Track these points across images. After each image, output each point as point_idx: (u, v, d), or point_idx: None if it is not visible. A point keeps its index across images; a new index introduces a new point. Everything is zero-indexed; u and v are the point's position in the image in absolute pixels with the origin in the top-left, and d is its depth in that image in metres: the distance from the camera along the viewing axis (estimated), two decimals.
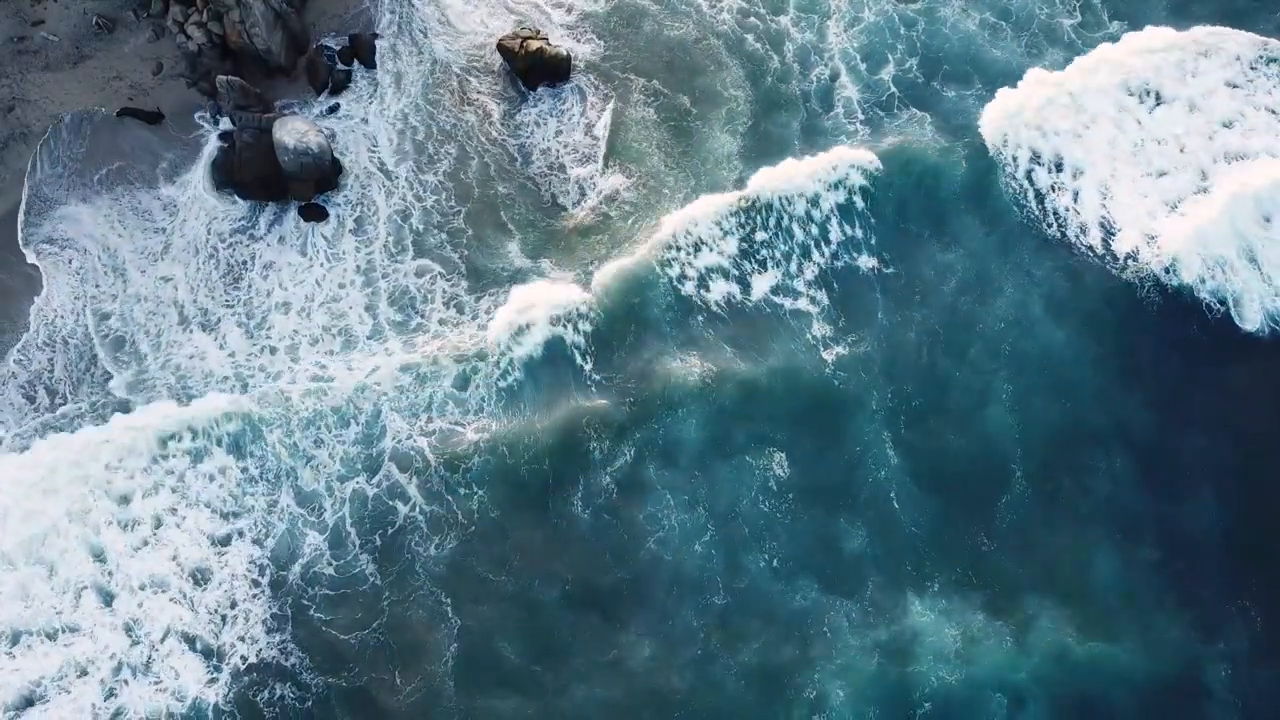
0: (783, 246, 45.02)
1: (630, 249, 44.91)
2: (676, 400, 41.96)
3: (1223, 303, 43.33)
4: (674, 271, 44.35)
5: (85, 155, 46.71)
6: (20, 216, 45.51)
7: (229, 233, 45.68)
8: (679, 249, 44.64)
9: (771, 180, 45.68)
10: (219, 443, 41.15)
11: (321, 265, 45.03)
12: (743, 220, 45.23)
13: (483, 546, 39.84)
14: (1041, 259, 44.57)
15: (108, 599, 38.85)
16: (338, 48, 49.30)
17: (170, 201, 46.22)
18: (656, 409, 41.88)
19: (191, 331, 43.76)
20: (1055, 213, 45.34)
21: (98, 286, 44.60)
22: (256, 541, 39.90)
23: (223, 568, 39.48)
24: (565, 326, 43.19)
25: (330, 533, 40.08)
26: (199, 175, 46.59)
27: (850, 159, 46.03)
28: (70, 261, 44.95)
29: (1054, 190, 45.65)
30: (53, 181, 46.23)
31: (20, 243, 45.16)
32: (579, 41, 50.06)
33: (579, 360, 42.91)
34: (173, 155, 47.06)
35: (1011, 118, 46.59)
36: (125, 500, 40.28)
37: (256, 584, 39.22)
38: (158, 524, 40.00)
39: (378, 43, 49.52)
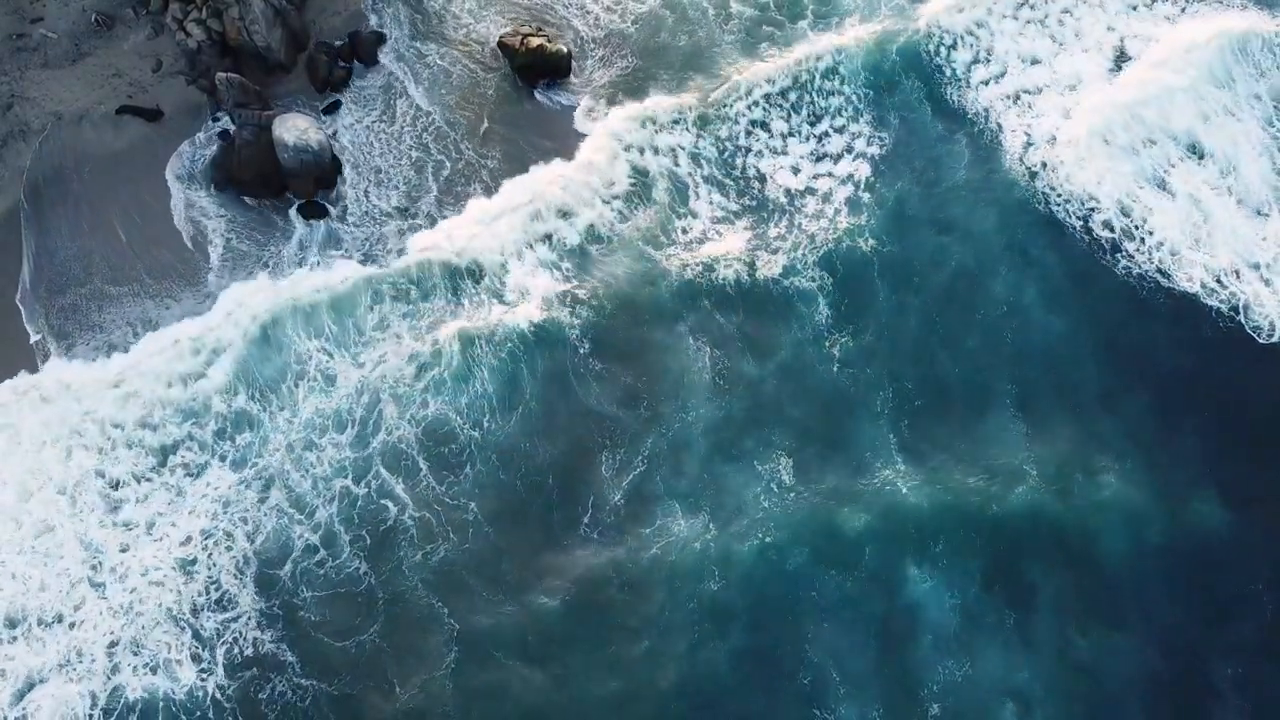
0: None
1: None
2: (681, 395, 41.86)
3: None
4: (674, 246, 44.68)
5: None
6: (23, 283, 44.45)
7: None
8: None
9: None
10: (219, 457, 41.05)
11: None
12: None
13: (478, 549, 39.57)
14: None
15: (101, 588, 38.72)
16: (338, 45, 48.93)
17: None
18: (657, 400, 41.85)
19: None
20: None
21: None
22: (249, 537, 39.56)
23: (213, 561, 39.24)
24: (563, 313, 43.16)
25: (324, 532, 39.69)
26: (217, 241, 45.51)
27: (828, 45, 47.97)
28: (89, 342, 43.72)
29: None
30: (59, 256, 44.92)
31: (25, 324, 43.68)
32: (604, 67, 49.32)
33: (578, 349, 42.79)
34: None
35: None
36: (117, 492, 40.24)
37: (247, 579, 38.89)
38: (151, 524, 39.78)
39: (380, 42, 49.27)
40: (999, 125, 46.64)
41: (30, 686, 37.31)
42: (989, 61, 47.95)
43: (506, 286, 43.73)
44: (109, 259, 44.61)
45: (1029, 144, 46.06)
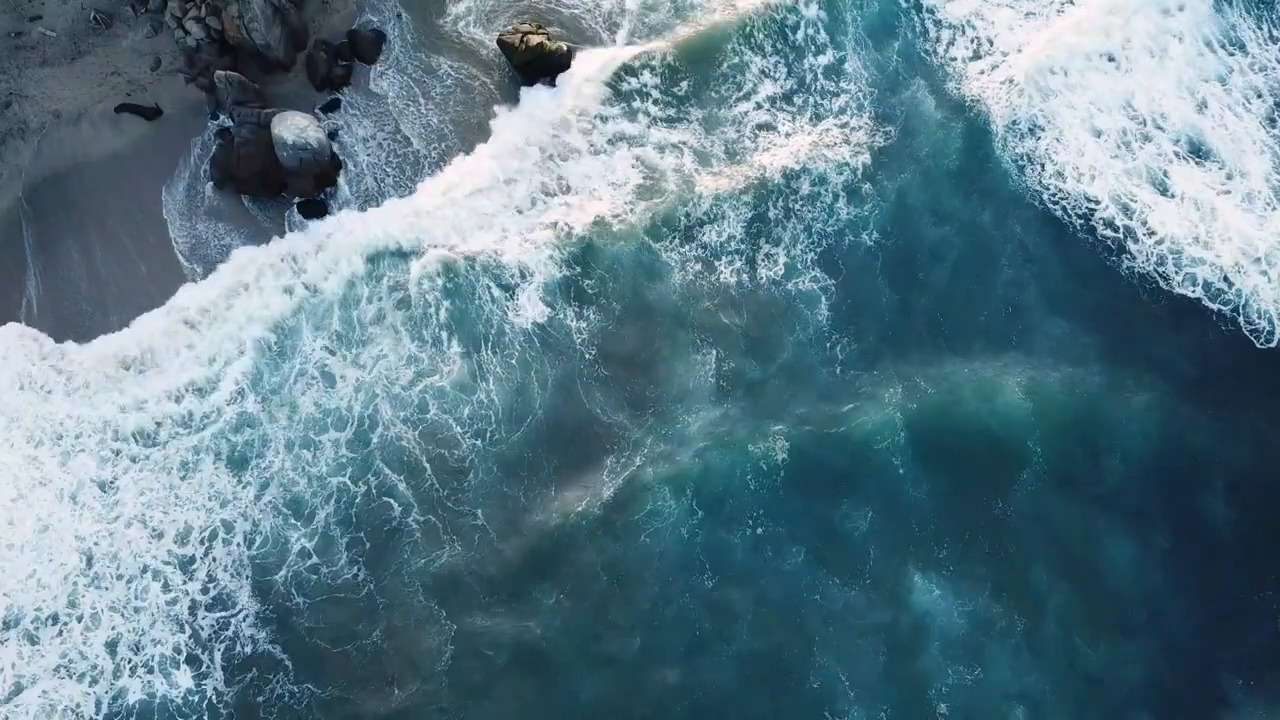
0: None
1: None
2: (683, 392, 41.87)
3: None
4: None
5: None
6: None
7: None
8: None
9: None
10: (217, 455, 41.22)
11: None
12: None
13: (478, 551, 39.69)
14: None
15: (100, 585, 38.93)
16: (337, 44, 48.74)
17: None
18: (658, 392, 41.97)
19: None
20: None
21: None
22: (247, 539, 39.63)
23: (213, 562, 39.39)
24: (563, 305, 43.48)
25: (321, 535, 39.79)
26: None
27: None
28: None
29: None
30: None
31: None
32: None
33: (580, 345, 42.96)
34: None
35: None
36: (114, 487, 40.46)
37: (246, 581, 38.99)
38: (143, 515, 40.05)
39: (380, 41, 49.13)
40: (991, 114, 46.26)
41: (22, 688, 37.58)
42: (989, 55, 47.76)
43: (502, 271, 43.86)
44: (124, 293, 44.27)
45: (1025, 135, 45.81)
